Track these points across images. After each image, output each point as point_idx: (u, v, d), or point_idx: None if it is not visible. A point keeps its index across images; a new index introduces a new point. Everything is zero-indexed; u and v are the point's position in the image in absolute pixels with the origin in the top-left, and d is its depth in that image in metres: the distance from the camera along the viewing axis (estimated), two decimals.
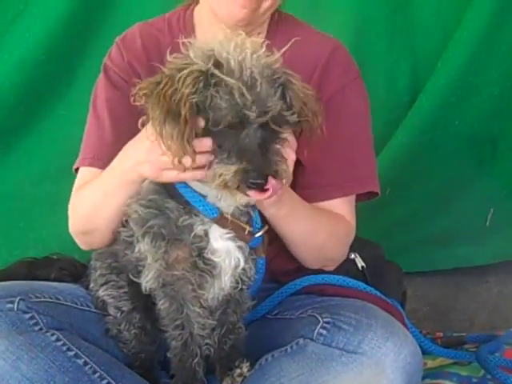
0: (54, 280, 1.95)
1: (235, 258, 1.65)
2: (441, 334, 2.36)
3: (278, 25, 1.97)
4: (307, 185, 1.91)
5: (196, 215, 1.61)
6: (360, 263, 1.98)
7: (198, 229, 1.61)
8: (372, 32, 2.90)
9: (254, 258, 1.71)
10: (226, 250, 1.63)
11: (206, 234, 1.62)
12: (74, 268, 2.02)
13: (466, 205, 2.99)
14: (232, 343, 1.73)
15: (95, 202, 1.82)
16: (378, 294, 1.85)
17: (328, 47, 1.92)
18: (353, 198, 1.95)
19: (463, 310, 2.70)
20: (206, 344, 1.70)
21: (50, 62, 2.70)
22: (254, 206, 1.67)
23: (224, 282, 1.66)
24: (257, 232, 1.68)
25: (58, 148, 2.77)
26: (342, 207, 1.92)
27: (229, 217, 1.62)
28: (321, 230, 1.85)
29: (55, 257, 2.07)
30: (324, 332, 1.64)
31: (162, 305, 1.67)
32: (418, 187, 2.95)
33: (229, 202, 1.59)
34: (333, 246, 1.91)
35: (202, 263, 1.63)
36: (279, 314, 1.85)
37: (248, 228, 1.64)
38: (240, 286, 1.70)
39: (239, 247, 1.65)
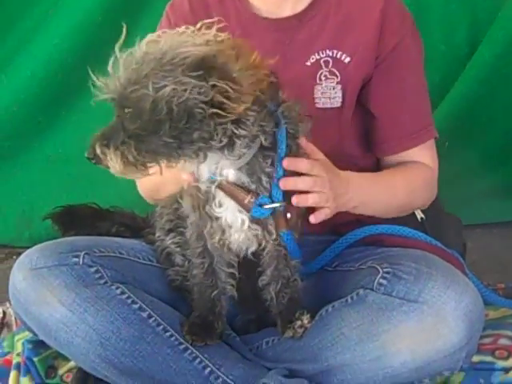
0: (115, 235, 1.99)
1: (237, 217, 1.61)
2: (502, 286, 2.32)
3: None
4: (382, 139, 1.92)
5: None
6: (419, 215, 1.96)
7: (203, 186, 1.60)
8: None
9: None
10: (227, 208, 1.60)
11: (210, 191, 1.60)
12: (133, 221, 2.06)
13: None
14: (290, 296, 1.73)
15: (156, 184, 1.87)
16: (439, 244, 1.83)
17: None
18: (431, 142, 1.95)
19: None
20: (230, 284, 1.73)
21: (106, 24, 2.71)
22: (269, 176, 1.58)
23: (234, 236, 1.64)
24: (266, 204, 1.58)
25: None
26: (421, 154, 1.92)
27: (224, 182, 1.57)
28: (399, 194, 1.86)
29: (112, 209, 2.11)
30: (384, 282, 1.64)
31: (187, 231, 1.72)
32: (478, 139, 2.89)
33: None
34: (415, 199, 1.92)
35: (209, 213, 1.62)
36: (338, 266, 1.85)
37: (248, 198, 1.57)
38: (263, 244, 1.67)
39: (240, 210, 1.60)
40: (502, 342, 1.92)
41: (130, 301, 1.72)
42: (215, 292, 1.73)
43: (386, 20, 1.85)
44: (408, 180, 1.88)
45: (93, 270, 1.73)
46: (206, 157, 1.50)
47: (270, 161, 1.55)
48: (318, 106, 1.88)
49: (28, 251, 1.77)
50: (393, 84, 1.88)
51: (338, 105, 1.88)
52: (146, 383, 1.70)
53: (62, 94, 2.79)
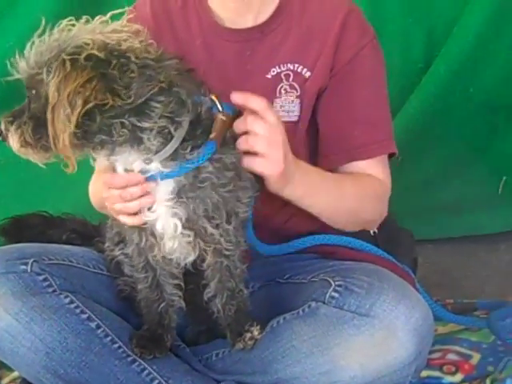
0: (66, 242, 1.95)
1: (169, 222, 1.58)
2: (451, 301, 2.35)
3: None
4: (328, 151, 1.88)
5: None
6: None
7: None
8: None
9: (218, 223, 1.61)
10: (158, 213, 1.57)
11: None
12: (85, 228, 2.03)
13: (478, 172, 2.97)
14: (236, 308, 1.71)
15: (101, 203, 1.82)
16: (390, 258, 1.84)
17: (342, 10, 1.85)
18: (383, 158, 1.91)
19: (474, 277, 2.67)
20: (177, 295, 1.71)
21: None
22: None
23: (168, 245, 1.61)
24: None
25: None
26: (372, 169, 1.88)
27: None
28: (347, 197, 1.82)
29: (64, 216, 2.07)
30: (336, 295, 1.63)
31: (128, 248, 1.70)
32: (431, 154, 2.92)
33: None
34: (366, 209, 1.87)
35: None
36: (290, 279, 1.84)
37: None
38: (197, 252, 1.64)
39: (175, 213, 1.56)
40: (450, 357, 1.94)
41: (78, 310, 1.69)
42: (162, 305, 1.71)
43: (344, 33, 1.84)
44: (358, 186, 1.85)
45: (41, 278, 1.69)
46: (113, 150, 1.48)
47: (190, 148, 1.51)
48: None
49: None
50: (342, 96, 1.85)
51: (295, 119, 1.86)
52: None
53: (10, 98, 2.73)
